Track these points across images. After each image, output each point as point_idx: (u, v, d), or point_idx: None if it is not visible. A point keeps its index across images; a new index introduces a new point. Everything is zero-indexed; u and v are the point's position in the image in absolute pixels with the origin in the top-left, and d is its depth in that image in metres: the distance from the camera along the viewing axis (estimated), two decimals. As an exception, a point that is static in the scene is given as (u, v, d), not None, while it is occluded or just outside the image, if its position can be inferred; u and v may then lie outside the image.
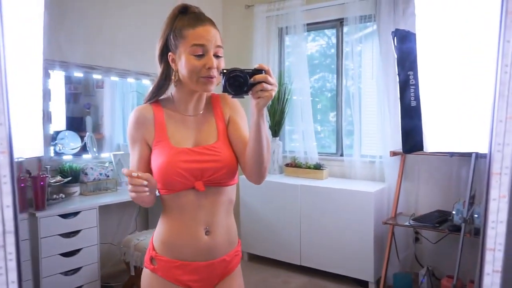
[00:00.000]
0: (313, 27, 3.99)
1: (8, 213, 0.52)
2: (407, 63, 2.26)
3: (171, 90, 1.34)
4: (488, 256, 0.51)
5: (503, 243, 0.51)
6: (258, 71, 1.10)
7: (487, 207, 0.52)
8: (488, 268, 0.52)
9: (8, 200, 0.52)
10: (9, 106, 0.52)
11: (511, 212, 0.51)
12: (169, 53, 1.26)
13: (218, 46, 1.22)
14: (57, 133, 3.20)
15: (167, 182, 1.23)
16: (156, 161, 1.25)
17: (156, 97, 1.32)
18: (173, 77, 1.28)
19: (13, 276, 0.54)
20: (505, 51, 0.50)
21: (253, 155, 1.23)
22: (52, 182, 2.87)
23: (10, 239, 0.53)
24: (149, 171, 1.29)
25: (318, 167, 3.72)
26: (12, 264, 0.53)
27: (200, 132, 1.31)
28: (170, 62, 1.26)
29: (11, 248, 0.53)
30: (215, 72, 1.21)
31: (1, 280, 0.53)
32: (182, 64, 1.22)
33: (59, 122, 3.26)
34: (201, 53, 1.20)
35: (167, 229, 1.28)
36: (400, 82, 2.33)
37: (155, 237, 1.32)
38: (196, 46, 1.19)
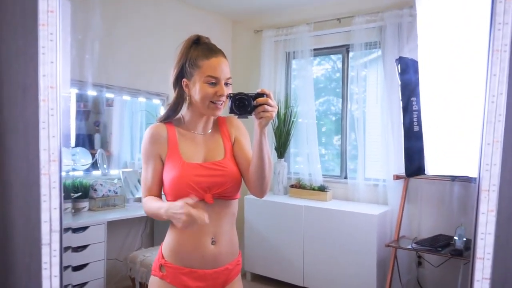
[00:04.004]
0: (320, 52, 4.11)
1: (55, 214, 0.59)
2: (409, 90, 2.34)
3: (182, 111, 1.46)
4: (478, 264, 0.58)
5: (491, 252, 0.57)
6: (260, 95, 1.26)
7: (476, 220, 0.58)
8: (478, 275, 0.58)
9: (56, 202, 0.59)
10: (61, 122, 0.60)
11: (499, 225, 0.58)
12: (183, 79, 1.39)
13: (228, 78, 1.37)
14: (69, 149, 3.29)
15: (178, 194, 1.33)
16: (169, 174, 1.36)
17: (170, 117, 1.45)
18: (186, 101, 1.42)
19: (56, 270, 0.60)
20: (492, 84, 0.58)
21: (256, 171, 1.35)
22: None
23: (55, 237, 0.60)
24: (161, 184, 1.41)
25: (322, 189, 3.77)
26: (56, 260, 0.60)
27: (208, 149, 1.44)
28: (184, 87, 1.40)
29: (55, 245, 0.60)
30: (223, 99, 1.36)
31: (45, 274, 0.60)
32: (196, 90, 1.36)
33: (70, 139, 3.35)
34: (214, 82, 1.34)
35: (176, 238, 1.38)
36: (403, 107, 2.42)
37: (165, 246, 1.42)
38: (210, 77, 1.34)
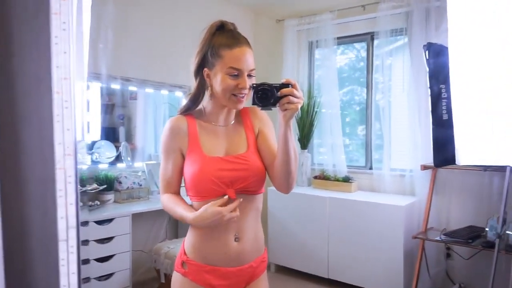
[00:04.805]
0: (343, 40, 4.02)
1: (71, 210, 0.58)
2: (439, 77, 2.26)
3: (203, 102, 1.40)
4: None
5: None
6: (285, 85, 1.18)
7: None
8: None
9: (72, 198, 0.58)
10: (76, 114, 0.58)
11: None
12: (205, 69, 1.32)
13: (252, 69, 1.30)
14: (94, 142, 3.32)
15: (200, 189, 1.29)
16: (190, 169, 1.31)
17: (191, 109, 1.39)
18: (207, 92, 1.35)
19: (73, 267, 0.59)
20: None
21: (281, 165, 1.28)
22: (88, 190, 2.98)
23: (72, 234, 0.58)
24: (181, 179, 1.37)
25: (346, 179, 3.71)
26: (73, 257, 0.58)
27: (230, 142, 1.37)
28: (205, 77, 1.33)
29: (72, 242, 0.58)
30: (245, 92, 1.28)
31: (63, 271, 0.58)
32: (217, 82, 1.29)
33: (95, 132, 3.38)
34: (236, 74, 1.27)
35: (198, 235, 1.33)
36: (432, 95, 2.33)
37: (187, 242, 1.37)
38: (233, 69, 1.26)
